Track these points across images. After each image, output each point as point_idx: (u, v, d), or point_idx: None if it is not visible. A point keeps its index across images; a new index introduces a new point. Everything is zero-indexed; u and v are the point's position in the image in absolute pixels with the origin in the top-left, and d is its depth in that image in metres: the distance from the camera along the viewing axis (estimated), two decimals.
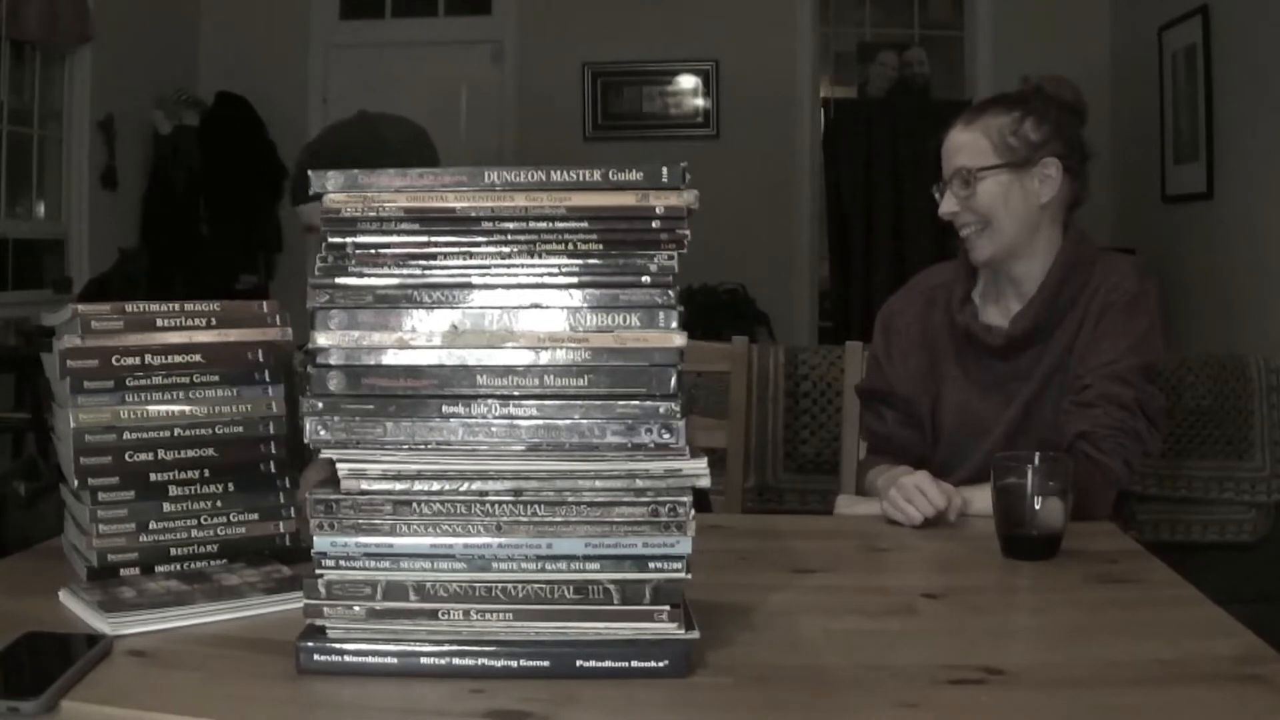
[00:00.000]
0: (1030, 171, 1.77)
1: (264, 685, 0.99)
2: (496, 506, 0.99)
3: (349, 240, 1.02)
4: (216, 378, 1.30)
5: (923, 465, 1.71)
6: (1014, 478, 1.42)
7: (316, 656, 1.00)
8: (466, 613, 0.99)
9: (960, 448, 1.82)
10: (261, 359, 1.32)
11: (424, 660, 1.00)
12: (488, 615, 1.00)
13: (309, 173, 1.03)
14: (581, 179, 1.02)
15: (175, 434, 1.27)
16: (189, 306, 1.30)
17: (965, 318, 1.83)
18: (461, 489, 0.99)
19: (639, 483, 0.99)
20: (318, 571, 1.00)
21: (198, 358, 1.29)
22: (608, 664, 0.99)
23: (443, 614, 0.99)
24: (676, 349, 1.00)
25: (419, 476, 0.99)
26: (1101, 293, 1.76)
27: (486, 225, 1.02)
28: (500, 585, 0.99)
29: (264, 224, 5.83)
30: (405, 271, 1.02)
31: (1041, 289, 1.78)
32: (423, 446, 1.00)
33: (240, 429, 1.30)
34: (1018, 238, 1.78)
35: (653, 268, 1.01)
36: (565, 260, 1.01)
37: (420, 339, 1.01)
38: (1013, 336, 1.79)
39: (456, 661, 0.99)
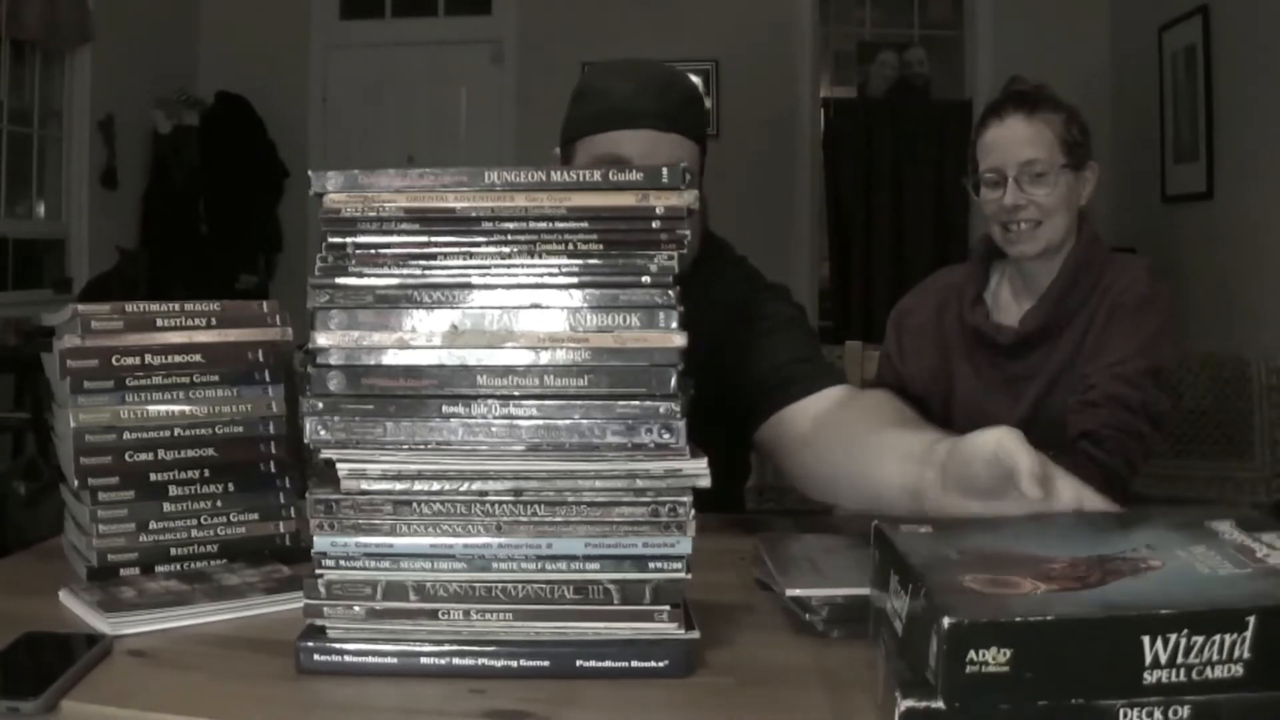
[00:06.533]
0: (1080, 173, 1.79)
1: (264, 685, 0.99)
2: (496, 506, 0.99)
3: (349, 240, 1.02)
4: (216, 378, 1.29)
5: None
6: None
7: (316, 656, 1.00)
8: (466, 613, 0.99)
9: None
10: (261, 359, 1.32)
11: (424, 660, 0.99)
12: (488, 615, 1.00)
13: (309, 173, 1.03)
14: (581, 179, 1.02)
15: (175, 434, 1.27)
16: (189, 306, 1.30)
17: (976, 317, 1.84)
18: (461, 489, 0.99)
19: (639, 483, 0.99)
20: (318, 571, 0.99)
21: (198, 358, 1.29)
22: (608, 664, 0.99)
23: (443, 614, 0.99)
24: (676, 349, 1.00)
25: (419, 476, 0.99)
26: (1113, 293, 1.76)
27: (486, 225, 1.02)
28: (500, 585, 0.99)
29: (264, 224, 5.84)
30: (405, 271, 1.02)
31: (1052, 287, 1.79)
32: (423, 446, 1.00)
33: (240, 429, 1.30)
34: (1066, 236, 1.80)
35: (653, 268, 1.01)
36: (565, 260, 1.01)
37: (420, 339, 1.01)
38: (1022, 335, 1.79)
39: (456, 661, 0.99)
